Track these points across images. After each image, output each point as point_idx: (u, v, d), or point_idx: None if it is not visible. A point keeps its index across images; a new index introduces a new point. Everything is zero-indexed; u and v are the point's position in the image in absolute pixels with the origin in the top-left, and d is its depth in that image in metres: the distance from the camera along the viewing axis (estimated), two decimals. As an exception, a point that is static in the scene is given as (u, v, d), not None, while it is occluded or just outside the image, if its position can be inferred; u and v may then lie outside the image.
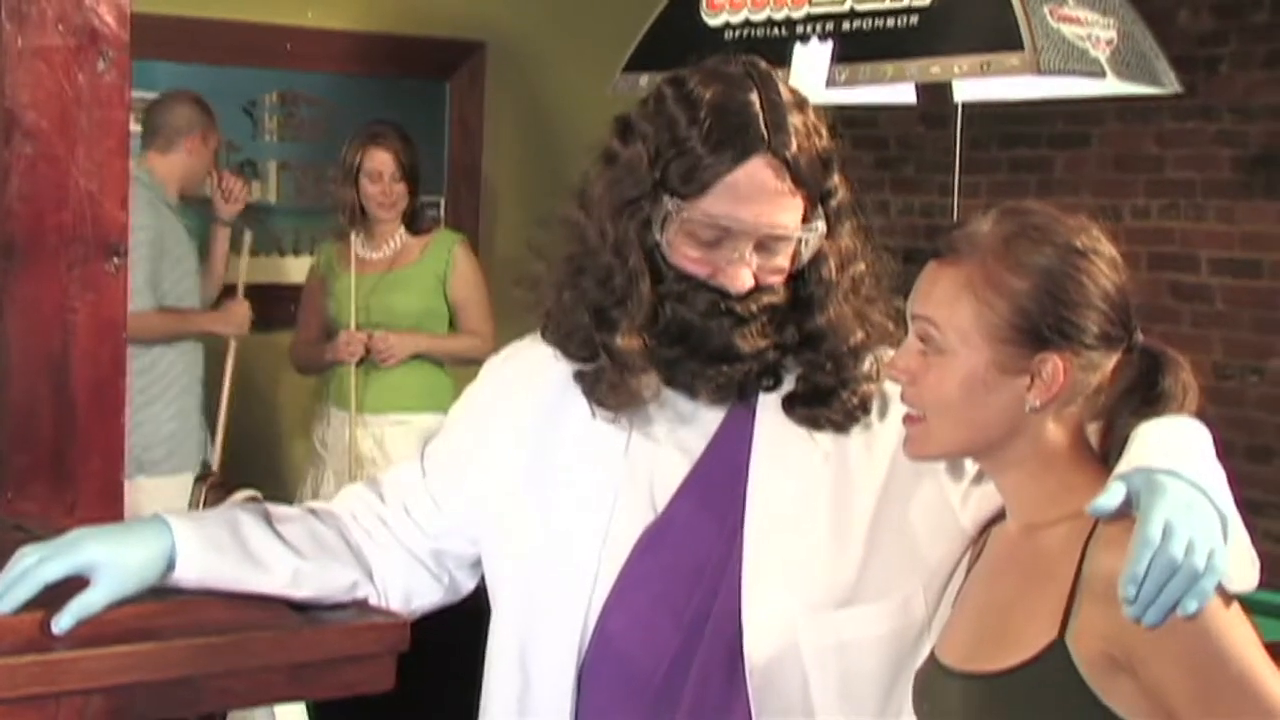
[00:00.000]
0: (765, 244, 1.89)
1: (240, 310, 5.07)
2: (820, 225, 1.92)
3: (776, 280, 1.92)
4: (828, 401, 1.95)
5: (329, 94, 5.93)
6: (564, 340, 1.98)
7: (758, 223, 1.88)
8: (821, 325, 1.94)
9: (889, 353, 1.97)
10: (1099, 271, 1.80)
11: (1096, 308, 1.79)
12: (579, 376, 1.97)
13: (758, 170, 1.87)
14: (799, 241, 1.91)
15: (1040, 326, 1.77)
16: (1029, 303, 1.77)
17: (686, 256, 1.90)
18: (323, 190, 5.87)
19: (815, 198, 1.92)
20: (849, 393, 1.95)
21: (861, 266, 1.98)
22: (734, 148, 1.86)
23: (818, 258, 1.94)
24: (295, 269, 5.75)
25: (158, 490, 4.54)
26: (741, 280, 1.89)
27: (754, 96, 1.90)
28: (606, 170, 1.95)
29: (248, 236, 5.07)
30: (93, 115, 2.00)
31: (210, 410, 5.00)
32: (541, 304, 2.03)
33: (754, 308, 1.91)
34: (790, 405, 1.96)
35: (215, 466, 4.85)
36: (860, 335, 1.96)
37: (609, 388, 1.93)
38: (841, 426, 1.96)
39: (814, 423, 1.95)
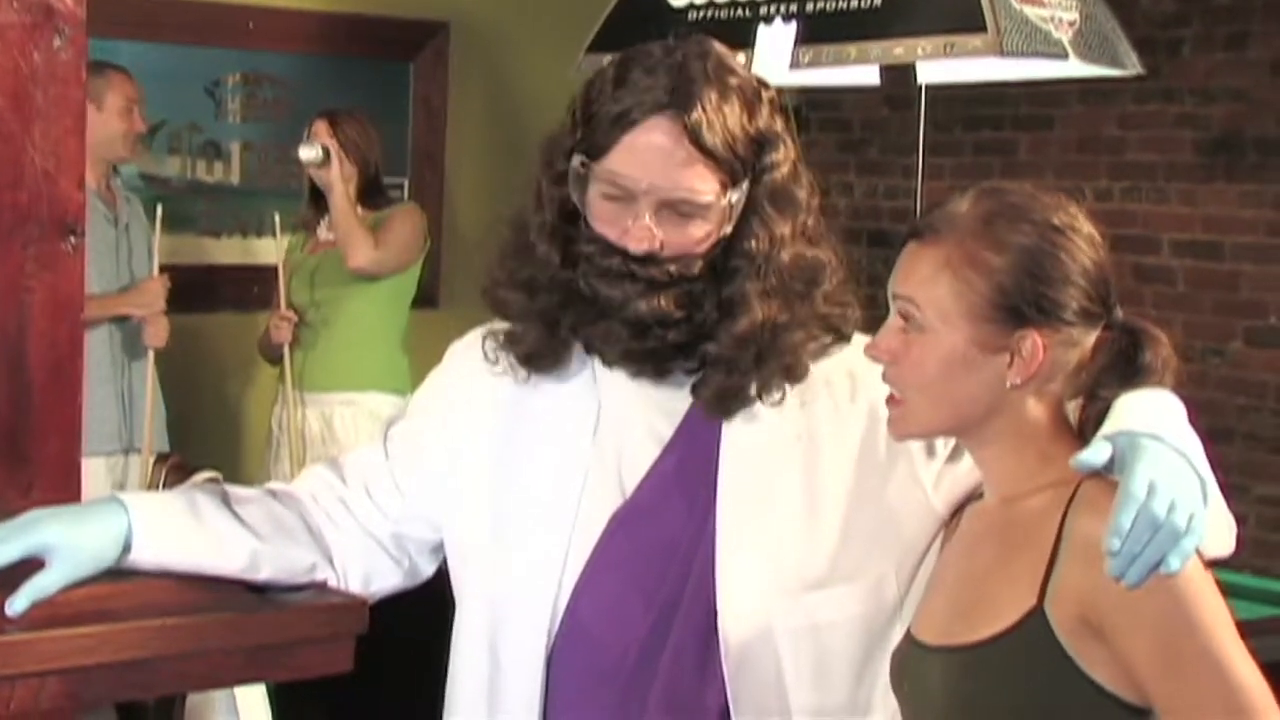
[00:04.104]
0: (673, 209, 1.88)
1: (152, 288, 4.88)
2: (732, 197, 1.90)
3: (691, 251, 1.90)
4: (728, 372, 1.91)
5: (292, 74, 5.90)
6: (501, 306, 2.00)
7: (651, 181, 1.87)
8: (734, 296, 1.91)
9: (842, 348, 1.97)
10: (1077, 248, 1.80)
11: (1076, 284, 1.79)
12: (504, 336, 2.00)
13: (653, 130, 1.87)
14: (720, 214, 1.90)
15: (1019, 304, 1.78)
16: (1008, 280, 1.78)
17: (599, 217, 1.91)
18: (286, 171, 5.84)
19: (731, 171, 1.90)
20: (771, 363, 1.92)
21: (790, 254, 1.93)
22: (634, 108, 1.88)
23: (742, 233, 1.92)
24: (259, 250, 5.72)
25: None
26: (639, 241, 1.88)
27: (671, 62, 1.90)
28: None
29: (158, 211, 4.93)
30: (49, 93, 1.98)
31: (129, 391, 4.88)
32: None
33: (655, 273, 1.89)
34: (703, 383, 1.93)
35: (145, 448, 4.77)
36: (784, 317, 1.92)
37: (509, 342, 1.98)
38: (726, 407, 1.93)
39: (718, 403, 1.93)
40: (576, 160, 1.90)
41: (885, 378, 1.85)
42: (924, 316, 1.81)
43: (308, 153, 4.93)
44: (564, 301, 1.93)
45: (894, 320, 1.84)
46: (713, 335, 1.92)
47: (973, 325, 1.79)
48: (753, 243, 1.92)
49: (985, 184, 1.88)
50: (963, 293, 1.79)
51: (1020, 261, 1.78)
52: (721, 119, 1.88)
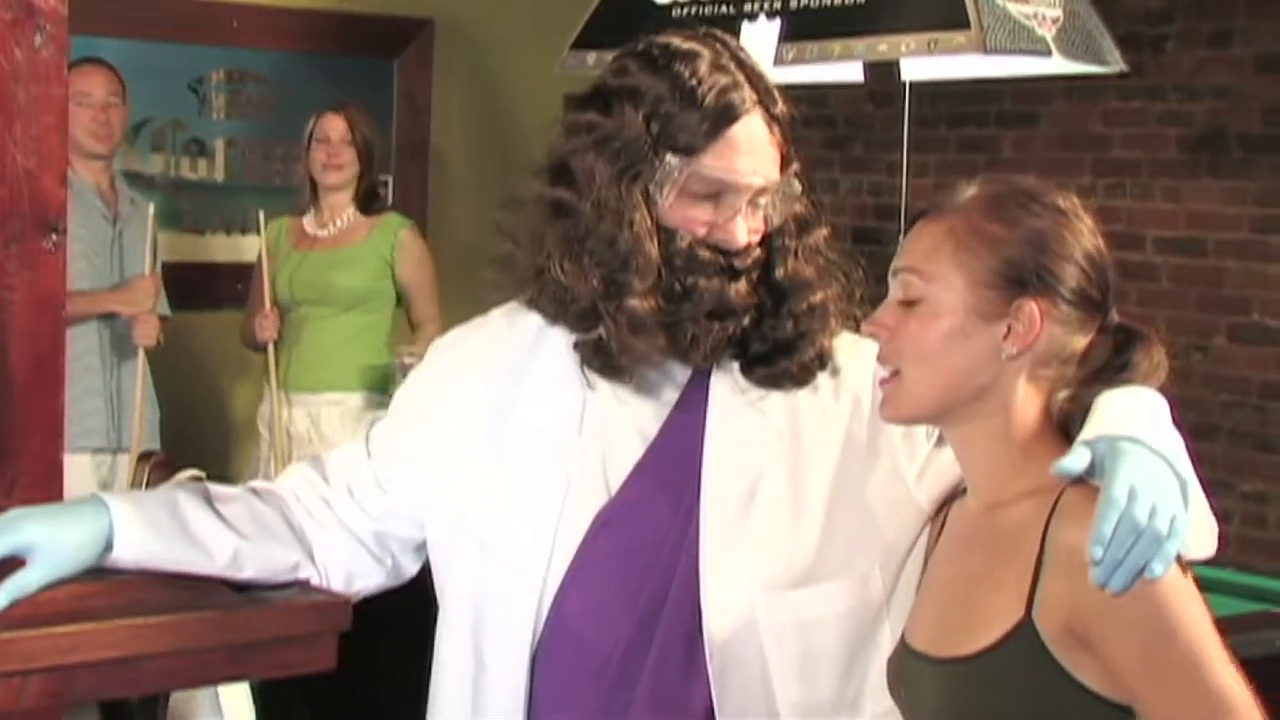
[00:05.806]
0: (754, 200, 1.92)
1: (142, 286, 4.81)
2: (795, 183, 1.95)
3: (758, 238, 1.94)
4: (787, 354, 1.95)
5: (276, 72, 5.90)
6: (560, 311, 1.96)
7: (754, 175, 1.90)
8: (781, 280, 1.95)
9: (847, 337, 1.98)
10: (1081, 233, 1.82)
11: (1077, 263, 1.80)
12: (578, 346, 1.95)
13: (753, 125, 1.91)
14: (772, 199, 1.93)
15: (1021, 272, 1.79)
16: (1013, 250, 1.80)
17: (686, 216, 1.91)
18: (270, 168, 5.84)
19: (788, 158, 1.95)
20: (806, 344, 1.95)
21: (824, 231, 2.00)
22: (732, 104, 1.90)
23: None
24: (245, 247, 5.71)
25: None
26: (739, 235, 1.91)
27: (730, 60, 1.94)
28: (588, 141, 1.93)
29: (151, 208, 4.89)
30: (30, 91, 1.98)
31: (118, 389, 4.85)
32: (514, 283, 2.01)
33: (748, 262, 1.92)
34: (749, 369, 1.96)
35: (133, 445, 4.74)
36: (820, 295, 1.97)
37: (619, 351, 1.91)
38: (799, 380, 1.96)
39: (773, 381, 1.95)
40: (671, 160, 1.90)
41: (880, 355, 1.85)
42: (925, 286, 1.81)
43: None
44: (662, 303, 1.92)
45: (894, 295, 1.85)
46: (768, 319, 1.94)
47: (973, 292, 1.80)
48: (791, 221, 1.97)
49: (992, 174, 1.91)
50: (966, 261, 1.80)
51: (1026, 236, 1.80)
52: (786, 110, 1.95)
